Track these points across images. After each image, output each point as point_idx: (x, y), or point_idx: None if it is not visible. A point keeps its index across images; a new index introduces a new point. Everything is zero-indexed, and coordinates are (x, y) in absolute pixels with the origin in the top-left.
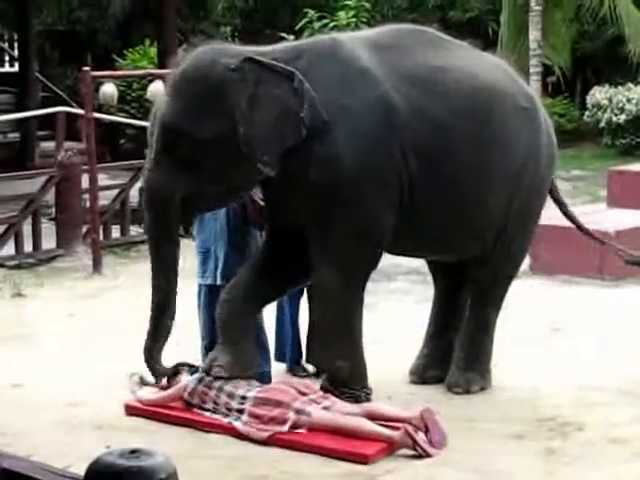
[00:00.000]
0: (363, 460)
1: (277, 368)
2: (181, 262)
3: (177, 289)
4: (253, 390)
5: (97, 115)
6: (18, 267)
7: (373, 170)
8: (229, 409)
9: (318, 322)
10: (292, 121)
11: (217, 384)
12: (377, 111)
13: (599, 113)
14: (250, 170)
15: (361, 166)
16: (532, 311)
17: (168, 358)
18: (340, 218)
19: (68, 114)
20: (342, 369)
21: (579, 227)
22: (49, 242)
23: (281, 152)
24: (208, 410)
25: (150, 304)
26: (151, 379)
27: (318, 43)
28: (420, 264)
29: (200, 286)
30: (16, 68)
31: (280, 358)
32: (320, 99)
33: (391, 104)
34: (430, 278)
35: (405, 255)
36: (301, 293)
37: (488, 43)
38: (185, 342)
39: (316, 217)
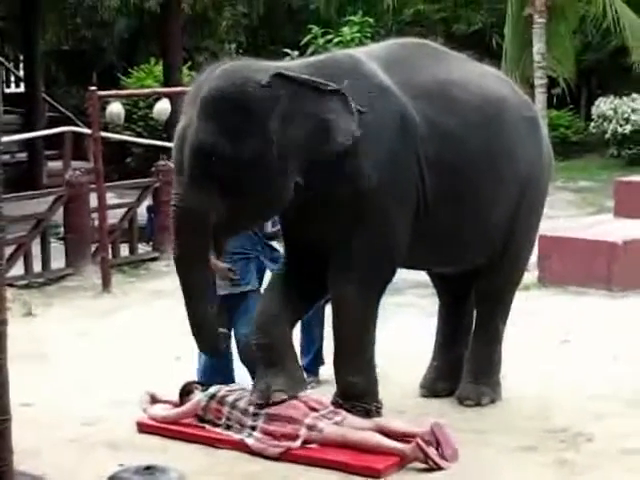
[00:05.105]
0: (375, 474)
1: None
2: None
3: (213, 313)
4: (265, 407)
5: (104, 134)
6: (28, 287)
7: (395, 186)
8: (242, 425)
9: (334, 336)
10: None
11: (230, 399)
12: (397, 127)
13: (604, 124)
14: (286, 187)
15: (384, 182)
16: (541, 322)
17: (169, 373)
18: (362, 233)
19: (75, 133)
20: (355, 384)
21: None
22: (58, 261)
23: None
24: (221, 426)
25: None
26: (163, 397)
27: (336, 59)
28: (428, 277)
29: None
30: (22, 88)
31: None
32: None
33: (409, 119)
34: None
35: (413, 268)
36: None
37: (492, 56)
38: (185, 357)
39: (338, 233)
